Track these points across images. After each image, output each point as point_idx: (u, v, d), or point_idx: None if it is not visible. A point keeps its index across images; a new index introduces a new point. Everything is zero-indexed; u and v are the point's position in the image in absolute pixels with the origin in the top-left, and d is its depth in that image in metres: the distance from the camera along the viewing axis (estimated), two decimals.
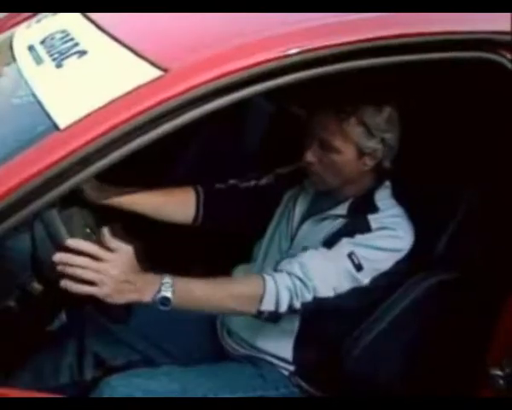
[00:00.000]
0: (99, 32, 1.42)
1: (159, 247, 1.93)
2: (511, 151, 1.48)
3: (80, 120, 1.16)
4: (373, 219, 1.52)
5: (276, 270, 1.47)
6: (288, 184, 1.71)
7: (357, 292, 1.48)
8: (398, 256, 1.51)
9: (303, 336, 1.60)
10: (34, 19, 1.73)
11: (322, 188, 1.59)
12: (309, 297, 1.44)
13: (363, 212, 1.54)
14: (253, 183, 1.73)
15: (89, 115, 1.16)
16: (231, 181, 1.74)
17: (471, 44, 1.39)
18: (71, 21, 1.55)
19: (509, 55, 1.40)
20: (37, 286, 1.47)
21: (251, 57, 1.22)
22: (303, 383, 1.61)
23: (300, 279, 1.43)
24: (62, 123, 1.17)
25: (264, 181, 1.74)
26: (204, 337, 1.71)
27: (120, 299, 1.32)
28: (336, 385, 1.58)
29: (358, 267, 1.46)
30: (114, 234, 1.42)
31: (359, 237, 1.49)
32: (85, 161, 1.15)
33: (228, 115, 1.97)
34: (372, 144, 1.51)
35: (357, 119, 1.49)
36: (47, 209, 1.44)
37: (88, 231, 1.58)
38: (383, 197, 1.57)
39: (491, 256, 1.57)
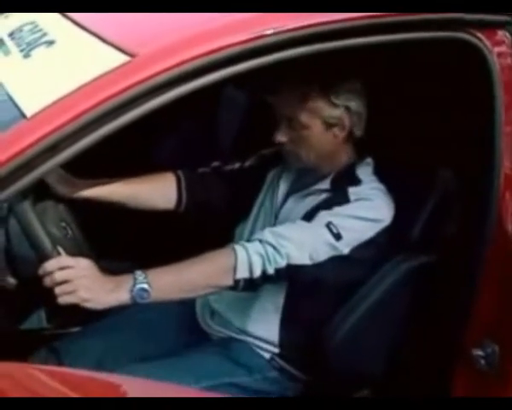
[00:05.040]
0: (67, 22, 1.42)
1: (136, 238, 1.92)
2: (484, 131, 1.48)
3: (47, 108, 1.14)
4: (352, 192, 1.53)
5: (248, 241, 1.47)
6: (271, 164, 1.71)
7: (337, 263, 1.47)
8: (379, 227, 1.51)
9: (288, 317, 1.58)
10: (3, 14, 1.72)
11: (299, 165, 1.60)
12: (282, 263, 1.43)
13: (344, 184, 1.55)
14: (237, 165, 1.73)
15: (56, 102, 1.15)
16: (215, 164, 1.72)
17: (441, 24, 1.39)
18: (40, 13, 1.54)
19: (478, 34, 1.40)
20: (11, 281, 1.46)
21: (219, 40, 1.21)
22: (286, 365, 1.60)
23: (272, 246, 1.43)
24: (29, 111, 1.15)
25: (248, 163, 1.74)
26: (181, 322, 1.69)
27: (99, 302, 1.32)
28: (320, 367, 1.57)
29: (337, 237, 1.46)
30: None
31: (337, 209, 1.49)
32: (53, 149, 1.13)
33: (203, 107, 1.99)
34: (337, 114, 1.53)
35: (318, 92, 1.51)
36: (20, 203, 1.43)
37: (63, 224, 1.57)
38: (365, 172, 1.59)
39: (467, 237, 1.57)
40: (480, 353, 1.50)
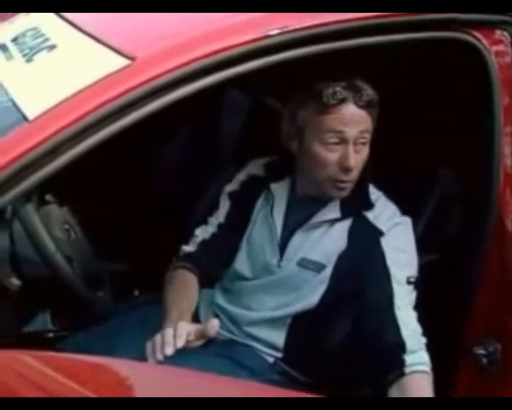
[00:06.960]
0: (69, 27, 1.43)
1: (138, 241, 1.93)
2: (483, 130, 1.49)
3: (49, 111, 1.15)
4: (375, 218, 1.52)
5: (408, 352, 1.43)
6: (246, 197, 1.65)
7: None
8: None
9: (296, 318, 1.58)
10: (7, 20, 1.74)
11: (346, 194, 1.53)
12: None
13: (357, 209, 1.53)
14: (215, 223, 1.66)
15: (57, 105, 1.16)
16: (197, 237, 1.65)
17: (438, 24, 1.40)
18: (42, 18, 1.55)
19: (476, 33, 1.41)
20: (15, 282, 1.48)
21: (220, 42, 1.22)
22: (289, 369, 1.59)
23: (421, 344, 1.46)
24: (31, 114, 1.17)
25: (222, 213, 1.66)
26: None
27: None
28: (321, 368, 1.57)
29: (414, 284, 1.50)
30: None
31: (393, 256, 1.48)
32: (55, 151, 1.14)
33: (203, 112, 2.00)
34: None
35: (376, 104, 1.48)
36: (24, 206, 1.46)
37: (66, 227, 1.60)
38: (369, 189, 1.58)
39: (468, 236, 1.58)
40: (481, 351, 1.51)
